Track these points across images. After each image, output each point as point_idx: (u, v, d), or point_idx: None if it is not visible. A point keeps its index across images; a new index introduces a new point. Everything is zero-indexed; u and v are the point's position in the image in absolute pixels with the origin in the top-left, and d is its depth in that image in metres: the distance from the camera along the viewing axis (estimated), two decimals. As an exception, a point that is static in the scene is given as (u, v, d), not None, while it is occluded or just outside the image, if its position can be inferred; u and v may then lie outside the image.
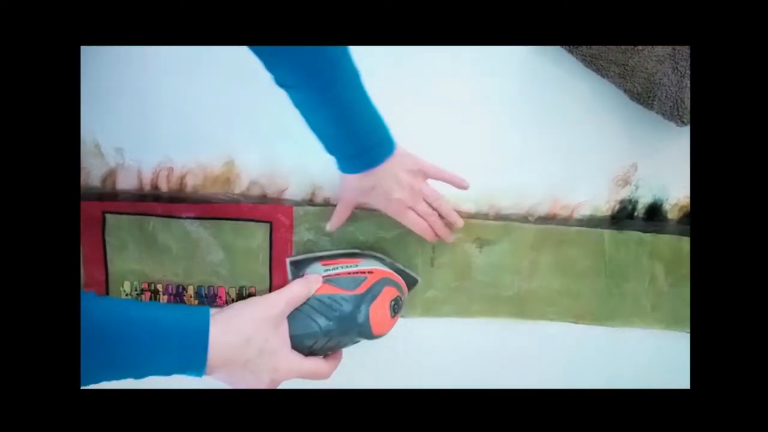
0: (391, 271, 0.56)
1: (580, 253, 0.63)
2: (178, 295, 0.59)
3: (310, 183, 0.59)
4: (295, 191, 0.59)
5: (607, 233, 0.63)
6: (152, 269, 0.58)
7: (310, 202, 0.59)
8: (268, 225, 0.58)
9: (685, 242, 0.64)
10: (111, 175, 0.57)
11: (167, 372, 0.44)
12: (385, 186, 0.53)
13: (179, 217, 0.57)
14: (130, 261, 0.58)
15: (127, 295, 0.59)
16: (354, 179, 0.53)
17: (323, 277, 0.53)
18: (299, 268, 0.58)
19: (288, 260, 0.59)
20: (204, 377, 0.45)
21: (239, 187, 0.58)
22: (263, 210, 0.58)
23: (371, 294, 0.52)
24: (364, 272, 0.54)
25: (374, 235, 0.60)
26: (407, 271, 0.59)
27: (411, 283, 0.59)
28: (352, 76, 0.48)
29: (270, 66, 0.47)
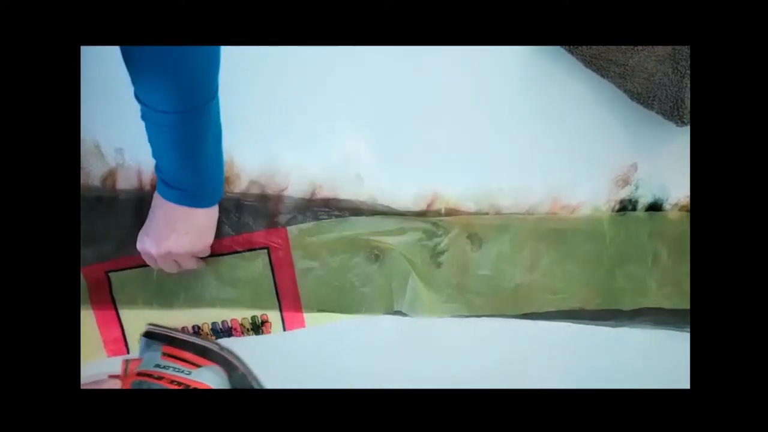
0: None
1: (580, 239, 0.63)
2: (195, 334, 0.61)
3: (310, 182, 0.59)
4: (294, 191, 0.59)
5: (606, 216, 0.63)
6: (165, 316, 0.59)
7: (310, 201, 0.59)
8: (265, 251, 0.59)
9: (685, 218, 0.64)
10: (111, 175, 0.57)
11: None
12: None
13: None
14: (142, 313, 0.59)
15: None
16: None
17: (143, 372, 0.55)
18: (148, 345, 0.59)
19: (141, 335, 0.59)
20: None
21: (239, 187, 0.58)
22: (258, 237, 0.59)
23: None
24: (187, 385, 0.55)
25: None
26: (252, 384, 0.61)
27: None
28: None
29: (134, 79, 0.46)
